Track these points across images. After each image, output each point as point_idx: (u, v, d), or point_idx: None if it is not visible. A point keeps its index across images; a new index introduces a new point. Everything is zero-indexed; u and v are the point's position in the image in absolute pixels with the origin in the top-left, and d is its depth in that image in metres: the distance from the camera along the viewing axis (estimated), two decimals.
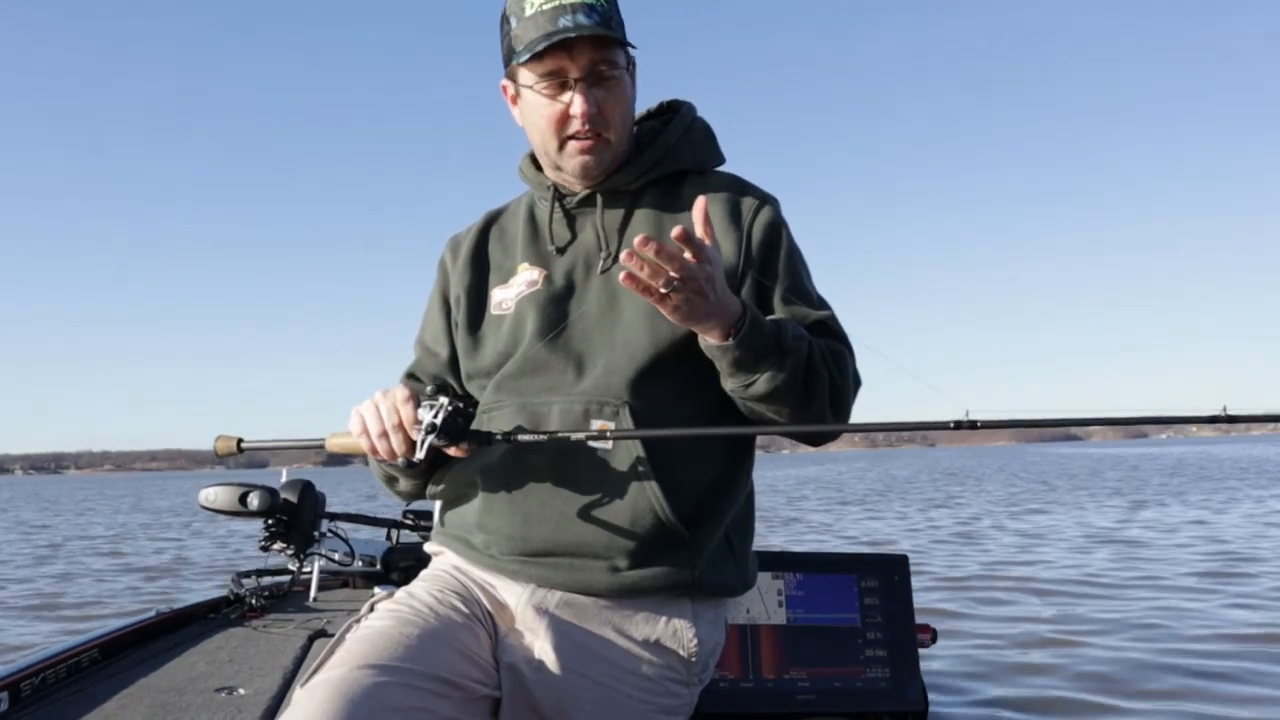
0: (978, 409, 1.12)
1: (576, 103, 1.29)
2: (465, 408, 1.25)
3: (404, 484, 1.42)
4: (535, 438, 1.22)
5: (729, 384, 1.24)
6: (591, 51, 1.28)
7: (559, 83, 1.30)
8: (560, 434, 1.23)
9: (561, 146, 1.34)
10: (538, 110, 1.33)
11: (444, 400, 1.22)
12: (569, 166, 1.36)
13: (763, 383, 1.21)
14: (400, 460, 1.24)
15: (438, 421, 1.21)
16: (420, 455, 1.21)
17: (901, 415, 1.22)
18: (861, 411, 1.18)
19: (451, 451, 1.26)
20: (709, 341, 1.19)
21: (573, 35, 1.25)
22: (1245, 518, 12.08)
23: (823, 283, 1.39)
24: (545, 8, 1.27)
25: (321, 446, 1.35)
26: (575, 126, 1.31)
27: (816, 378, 1.25)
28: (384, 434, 1.24)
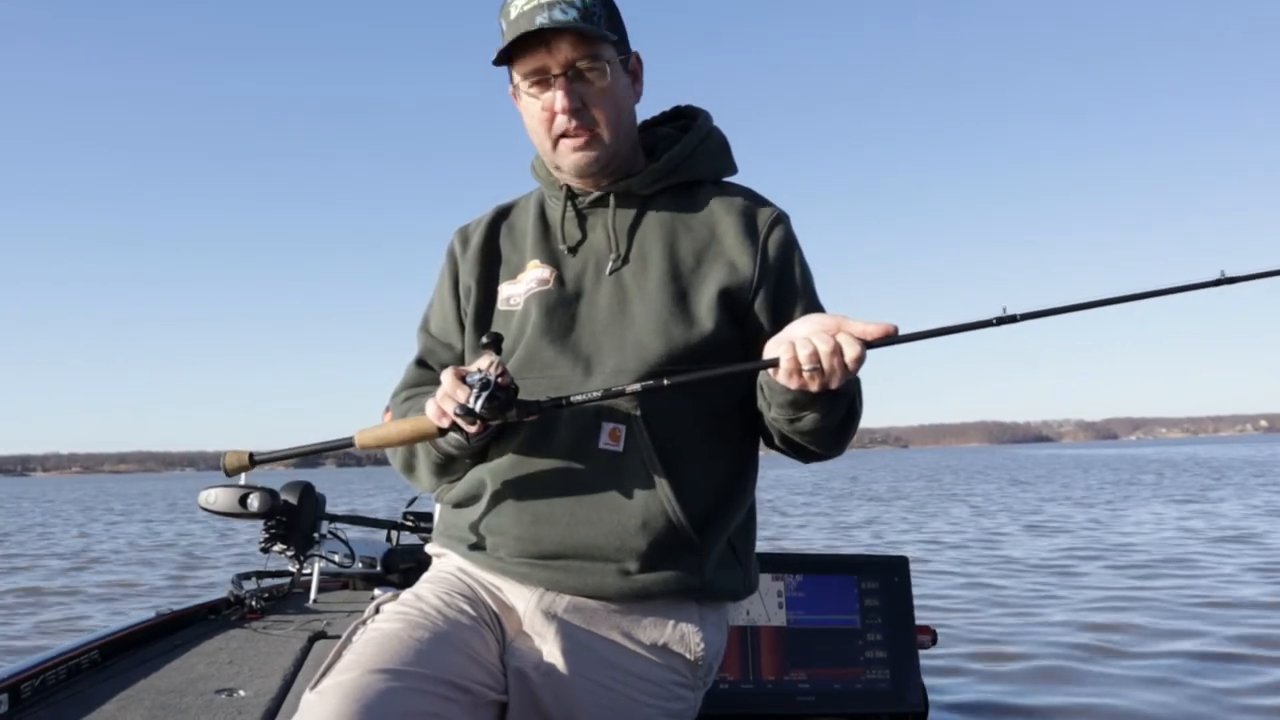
0: (1015, 305, 1.15)
1: (557, 99, 1.30)
2: (510, 377, 1.21)
3: (457, 464, 1.36)
4: (587, 397, 1.20)
5: (776, 413, 1.25)
6: (569, 47, 1.28)
7: (542, 80, 1.30)
8: (612, 391, 1.19)
9: (555, 145, 1.34)
10: (529, 110, 1.34)
11: (496, 358, 1.20)
12: (564, 164, 1.36)
13: (809, 420, 1.23)
14: (462, 409, 1.17)
15: (491, 377, 1.17)
16: (477, 407, 1.16)
17: (937, 319, 1.22)
18: (905, 319, 1.19)
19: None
20: (778, 380, 1.18)
21: (535, 30, 1.25)
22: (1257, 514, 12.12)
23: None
24: (525, 8, 1.28)
25: (349, 445, 1.31)
26: (561, 124, 1.31)
27: (853, 414, 1.28)
28: (447, 396, 1.19)
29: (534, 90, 1.32)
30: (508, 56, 1.31)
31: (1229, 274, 1.18)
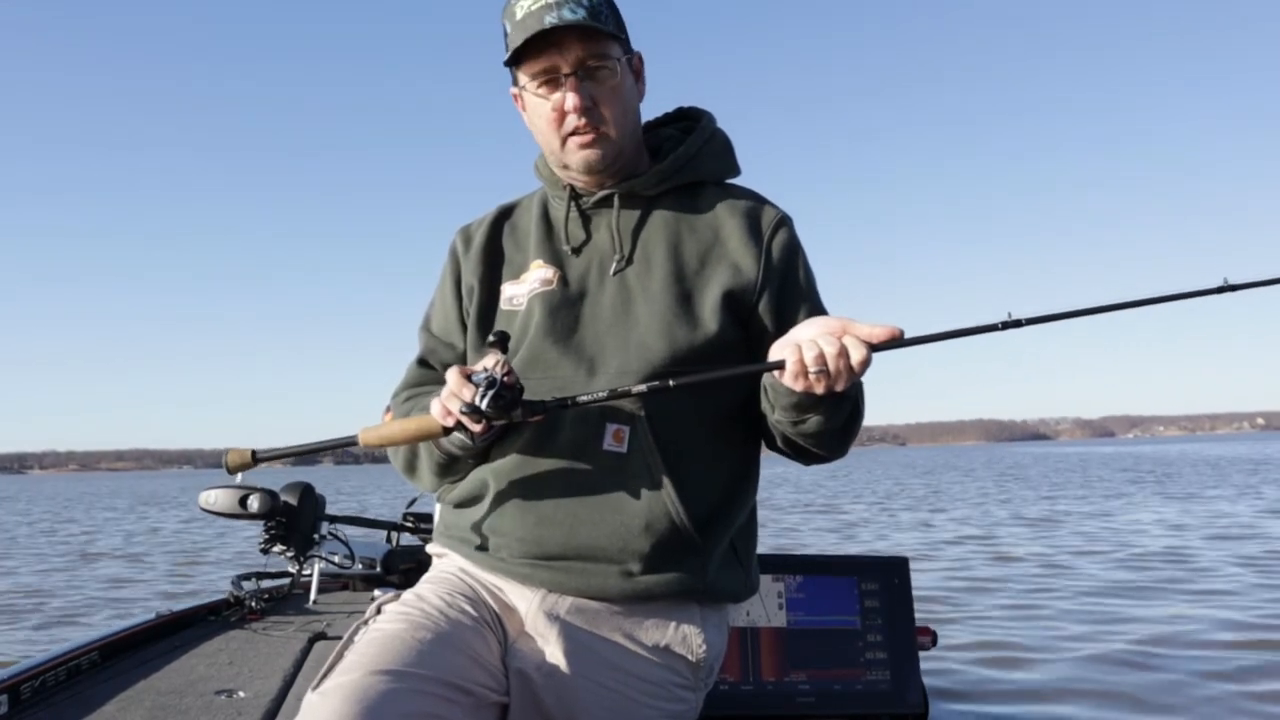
0: (1017, 306, 1.16)
1: (568, 98, 1.30)
2: (515, 376, 1.21)
3: (460, 465, 1.35)
4: (593, 397, 1.20)
5: (780, 416, 1.25)
6: (579, 46, 1.29)
7: (551, 80, 1.31)
8: (618, 392, 1.19)
9: (564, 143, 1.34)
10: (537, 110, 1.35)
11: (502, 357, 1.20)
12: (573, 162, 1.36)
13: (813, 423, 1.23)
14: (468, 407, 1.17)
15: (497, 375, 1.17)
16: (483, 405, 1.16)
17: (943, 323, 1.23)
18: (910, 324, 1.20)
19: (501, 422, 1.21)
20: (784, 383, 1.18)
21: (548, 29, 1.26)
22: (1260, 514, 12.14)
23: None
24: (533, 9, 1.29)
25: (353, 443, 1.31)
26: (571, 122, 1.32)
27: (856, 416, 1.28)
28: (453, 395, 1.19)
29: (543, 90, 1.32)
30: (516, 57, 1.31)
31: (1232, 281, 1.19)
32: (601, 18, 1.30)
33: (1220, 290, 1.19)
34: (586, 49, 1.29)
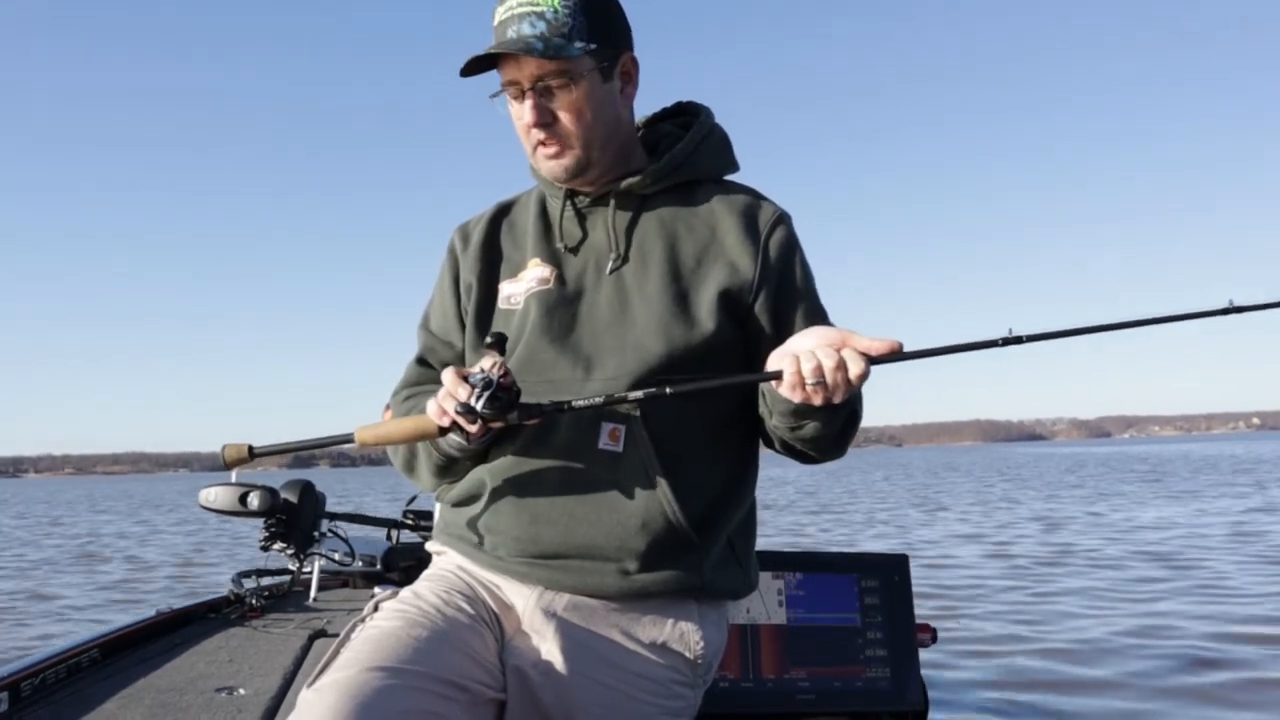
0: (1020, 327, 1.17)
1: (526, 113, 1.30)
2: (512, 378, 1.21)
3: (457, 466, 1.35)
4: (590, 402, 1.20)
5: (777, 421, 1.25)
6: (535, 65, 1.27)
7: (519, 91, 1.31)
8: (615, 397, 1.20)
9: (534, 152, 1.35)
10: (513, 116, 1.35)
11: (499, 359, 1.20)
12: (541, 171, 1.37)
13: (810, 429, 1.24)
14: (463, 407, 1.17)
15: (494, 377, 1.17)
16: (478, 405, 1.16)
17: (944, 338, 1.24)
18: (907, 323, 1.20)
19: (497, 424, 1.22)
20: (781, 392, 1.18)
21: (498, 52, 1.26)
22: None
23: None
24: (502, 17, 1.29)
25: (349, 440, 1.31)
26: (534, 135, 1.32)
27: (854, 420, 1.28)
28: (449, 395, 1.19)
29: (512, 100, 1.33)
30: (481, 66, 1.30)
31: (1237, 303, 1.19)
32: (567, 31, 1.27)
33: (1225, 312, 1.19)
34: (542, 66, 1.27)
